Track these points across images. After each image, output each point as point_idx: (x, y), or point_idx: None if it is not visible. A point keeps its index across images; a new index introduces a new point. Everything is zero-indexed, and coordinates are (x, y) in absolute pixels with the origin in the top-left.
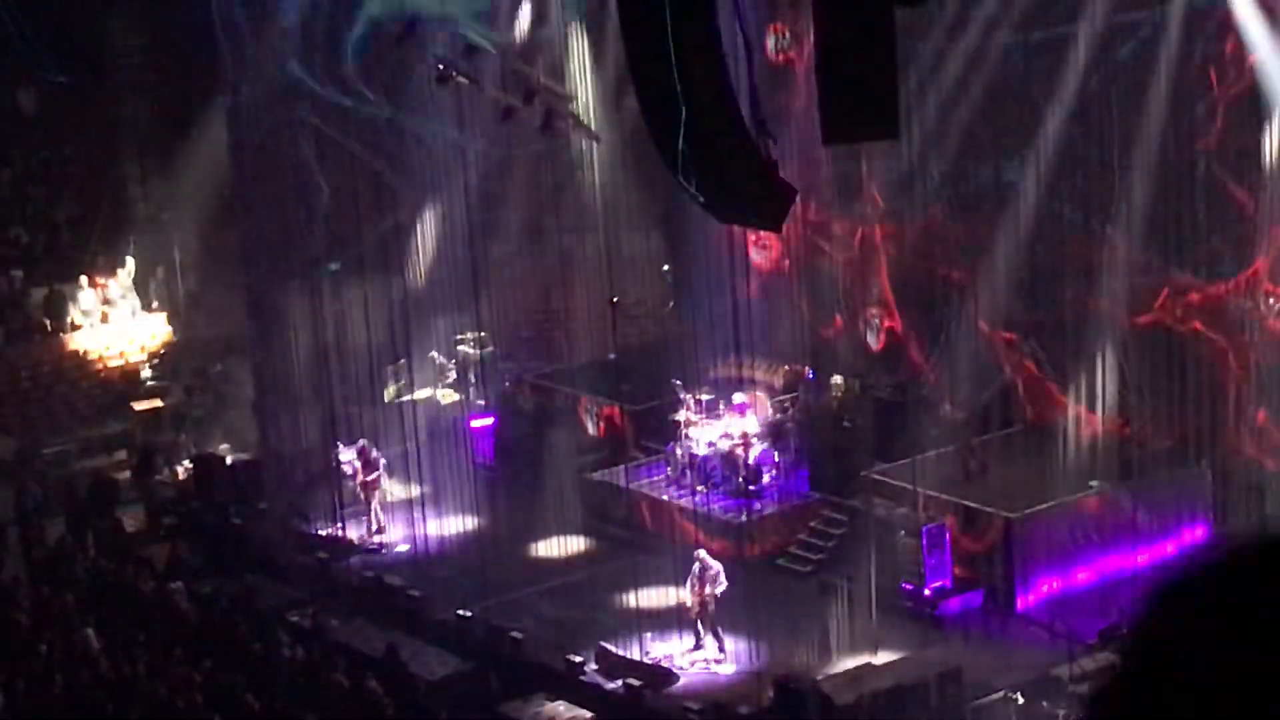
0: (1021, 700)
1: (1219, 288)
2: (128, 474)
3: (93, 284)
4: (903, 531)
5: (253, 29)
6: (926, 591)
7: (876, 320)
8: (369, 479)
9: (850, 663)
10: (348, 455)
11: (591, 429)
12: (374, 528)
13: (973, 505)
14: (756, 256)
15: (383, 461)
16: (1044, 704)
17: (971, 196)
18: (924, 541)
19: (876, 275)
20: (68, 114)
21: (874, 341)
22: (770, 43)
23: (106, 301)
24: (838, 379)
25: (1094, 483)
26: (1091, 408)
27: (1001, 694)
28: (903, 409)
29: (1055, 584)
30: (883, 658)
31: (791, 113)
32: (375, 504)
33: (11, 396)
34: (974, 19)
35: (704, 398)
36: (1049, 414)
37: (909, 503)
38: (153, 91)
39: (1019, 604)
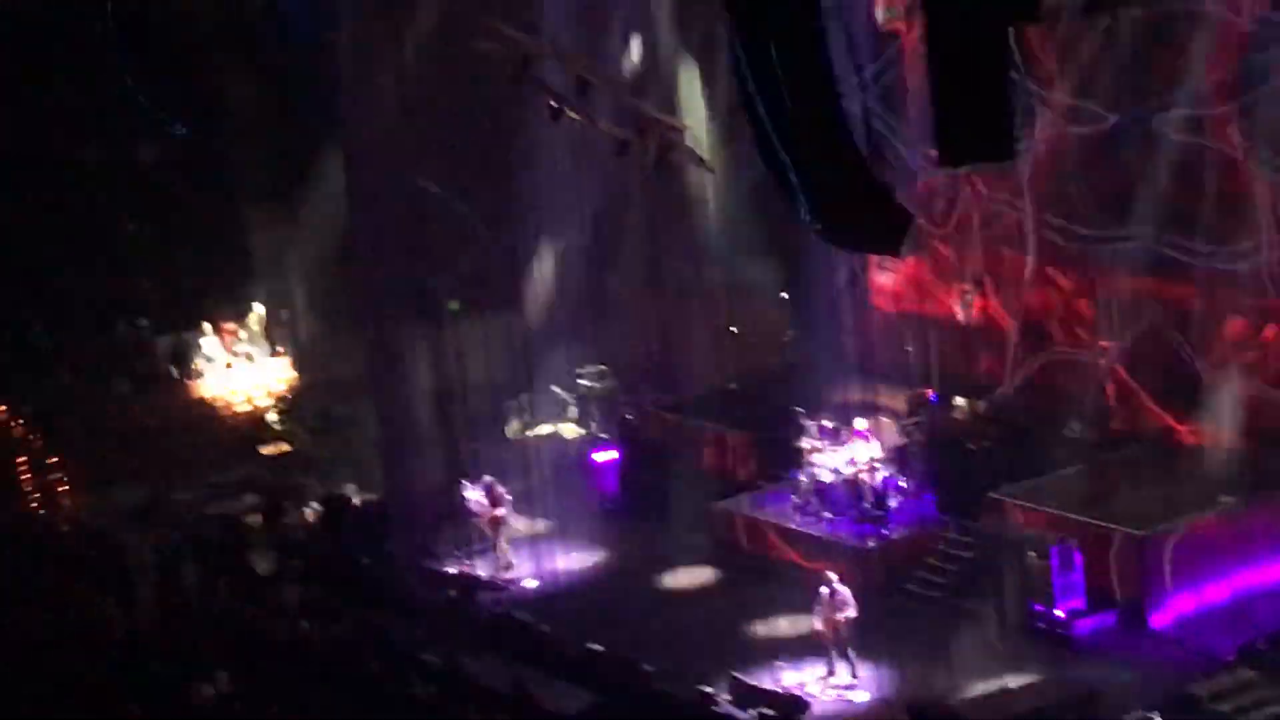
0: None
1: None
2: (257, 518)
3: (217, 331)
4: (1032, 553)
5: (367, 72)
6: (1058, 612)
7: (969, 296)
8: (496, 515)
9: (983, 686)
10: (473, 493)
11: (714, 459)
12: (502, 564)
13: (1103, 524)
14: (882, 278)
15: (509, 498)
16: None
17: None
18: (1054, 562)
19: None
20: (188, 164)
21: (964, 317)
22: (879, 14)
23: (231, 349)
24: (961, 401)
25: (1225, 498)
26: (1218, 422)
27: (1139, 714)
28: (1028, 429)
29: (1189, 602)
30: (1016, 680)
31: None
32: (503, 540)
33: (141, 444)
34: None
35: (827, 424)
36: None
37: (1037, 523)
38: (270, 138)
39: (1153, 623)
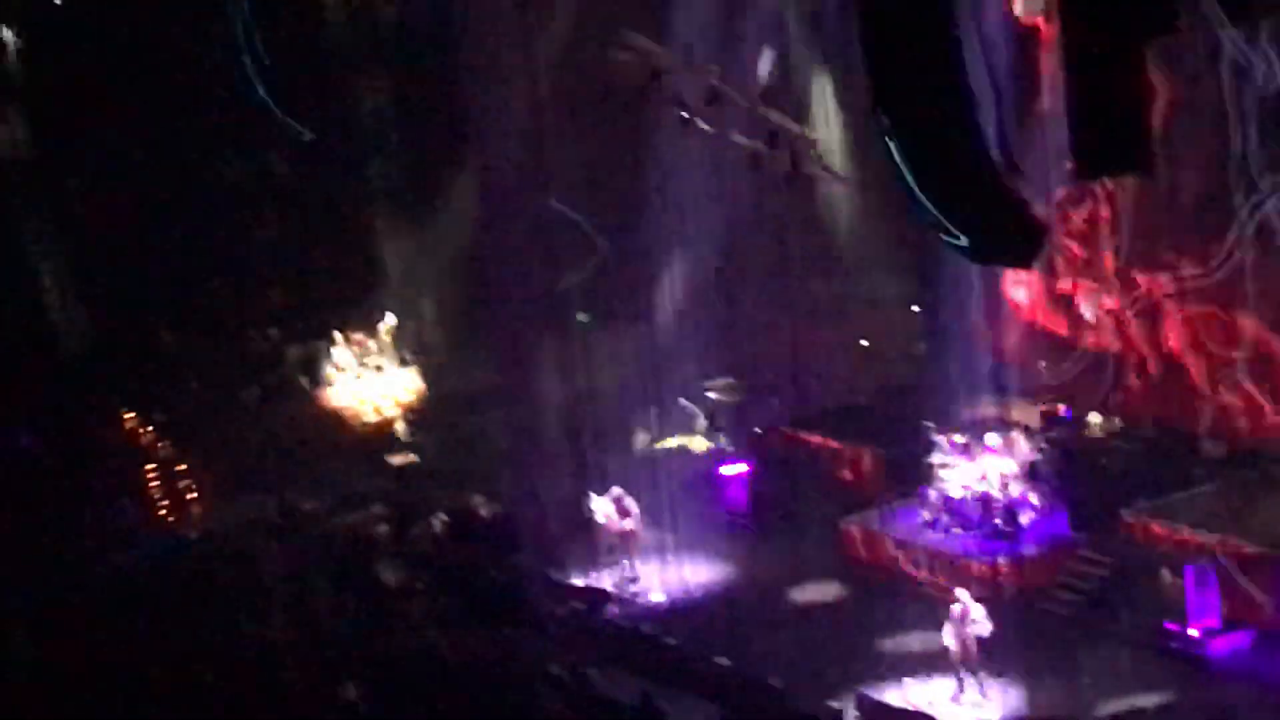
0: None
1: None
2: (385, 529)
3: (347, 340)
4: (1166, 571)
5: (498, 83)
6: (1192, 632)
7: (1096, 294)
8: (625, 528)
9: (1115, 706)
10: (600, 505)
11: (844, 473)
12: (630, 577)
13: (1240, 542)
14: (1017, 295)
15: (636, 510)
16: None
17: None
18: (1189, 580)
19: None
20: (319, 174)
21: (1089, 314)
22: (1018, 5)
23: (361, 357)
24: (1095, 417)
25: None
26: None
27: None
28: (1162, 446)
29: None
30: (1149, 701)
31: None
32: (631, 553)
33: (271, 455)
34: None
35: (958, 439)
36: None
37: (1172, 541)
38: (402, 149)
39: None
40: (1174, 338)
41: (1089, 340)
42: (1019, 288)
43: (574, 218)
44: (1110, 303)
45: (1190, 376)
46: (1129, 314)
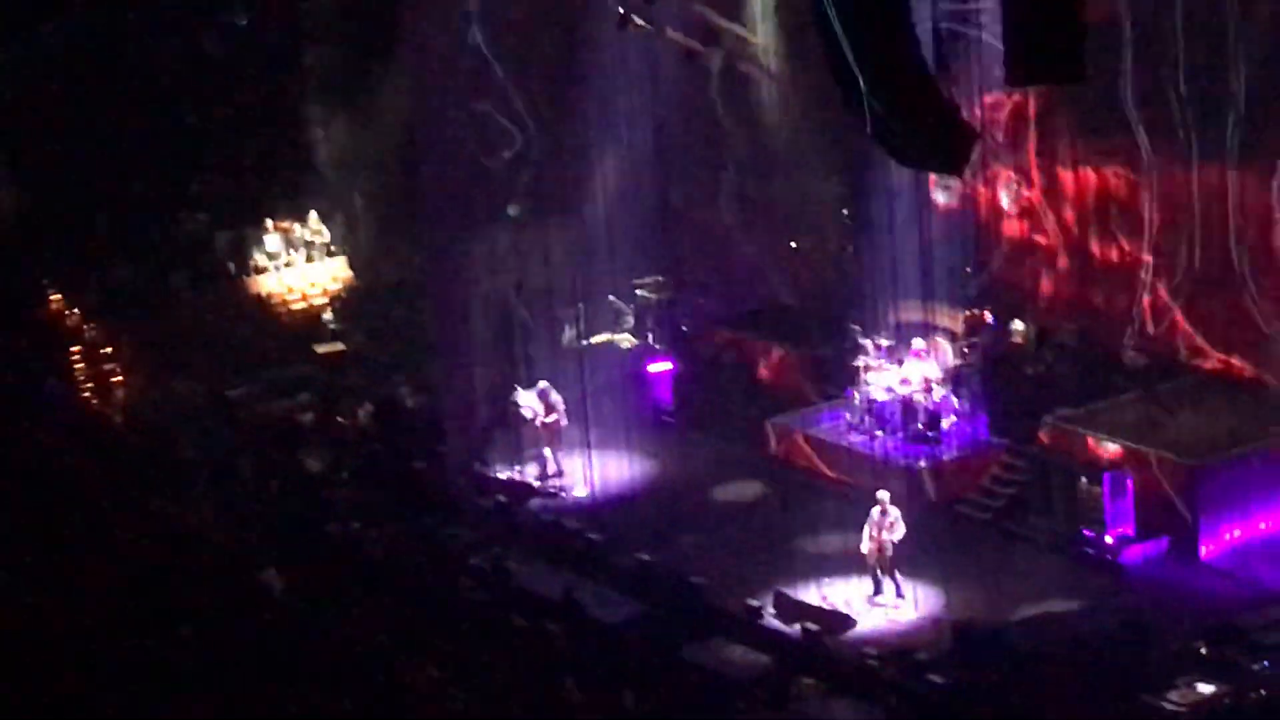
0: (1205, 650)
1: None
2: (311, 417)
3: (277, 228)
4: (1084, 479)
5: None
6: (1108, 539)
7: (1015, 186)
8: (549, 422)
9: (1031, 610)
10: (527, 399)
11: (770, 374)
12: (553, 471)
13: (1156, 452)
14: (940, 197)
15: (562, 405)
16: (1228, 653)
17: None
18: (1106, 489)
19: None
20: (251, 58)
21: (1008, 204)
22: None
23: (290, 245)
24: (1019, 324)
25: (1277, 428)
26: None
27: (1185, 643)
28: (1085, 355)
29: (1239, 532)
30: (1064, 605)
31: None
32: (555, 448)
33: (198, 340)
34: None
35: (884, 343)
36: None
37: (1091, 449)
38: (336, 35)
39: (1203, 552)
40: (1091, 237)
41: (1008, 231)
42: (945, 193)
43: (511, 128)
44: (1030, 194)
45: (1108, 279)
46: (1046, 205)
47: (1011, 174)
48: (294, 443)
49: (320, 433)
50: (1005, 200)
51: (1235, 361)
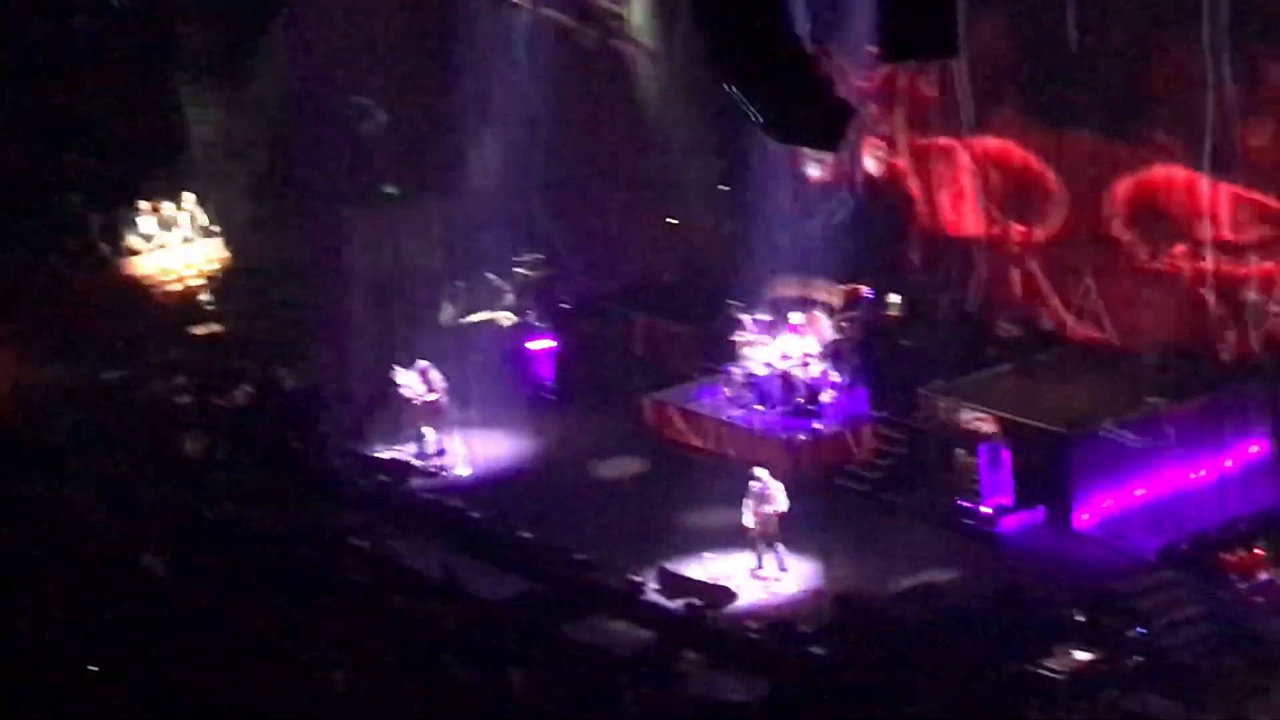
0: (1081, 617)
1: None
2: (187, 399)
3: (153, 209)
4: (961, 450)
5: None
6: (985, 509)
7: (881, 152)
8: (430, 402)
9: (910, 581)
10: (406, 378)
11: (649, 350)
12: (434, 451)
13: (1031, 422)
14: (813, 172)
15: (443, 384)
16: (1104, 621)
17: None
18: (982, 459)
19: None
20: (125, 36)
21: (874, 169)
22: None
23: (165, 226)
24: (895, 298)
25: (1152, 399)
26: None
27: (1061, 611)
28: (960, 327)
29: (1114, 501)
30: (942, 576)
31: None
32: (436, 426)
33: (72, 322)
34: None
35: (762, 318)
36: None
37: (966, 421)
38: (209, 13)
39: (1077, 522)
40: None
41: (883, 202)
42: (816, 167)
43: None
44: (896, 160)
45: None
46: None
47: (878, 141)
48: (171, 425)
49: (198, 415)
50: (871, 166)
51: (1100, 332)
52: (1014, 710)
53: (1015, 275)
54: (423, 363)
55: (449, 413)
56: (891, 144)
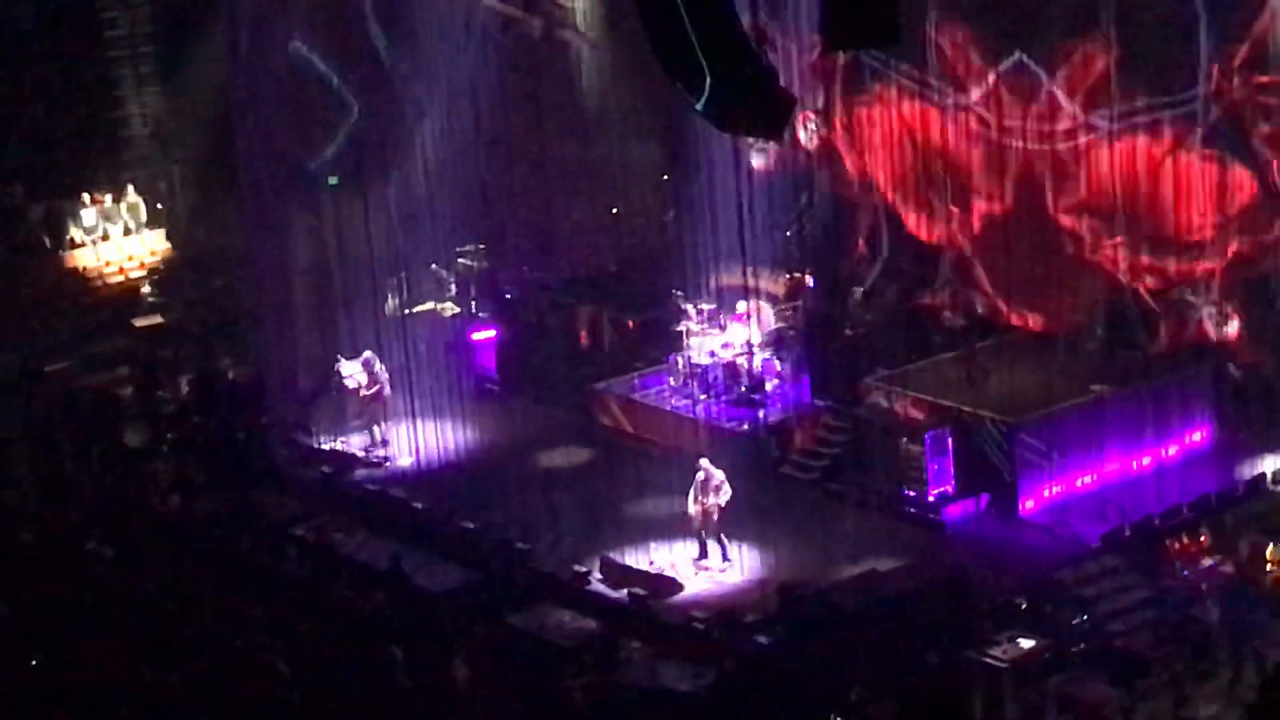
0: (1025, 604)
1: None
2: (130, 390)
3: (93, 200)
4: (905, 438)
5: None
6: (929, 497)
7: (813, 124)
8: (373, 392)
9: (854, 570)
10: (350, 369)
11: (593, 340)
12: (378, 441)
13: (974, 410)
14: (756, 161)
15: (386, 376)
16: (1048, 607)
17: None
18: (926, 448)
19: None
20: (64, 27)
21: (807, 141)
22: None
23: (106, 218)
24: (839, 285)
25: (1096, 387)
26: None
27: (1005, 598)
28: (904, 316)
29: (1057, 489)
30: (887, 564)
31: None
32: (380, 417)
33: (13, 313)
34: None
35: (706, 307)
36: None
37: (911, 409)
38: (150, 2)
39: (1022, 509)
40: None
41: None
42: (759, 156)
43: (329, 73)
44: (825, 132)
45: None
46: (844, 146)
47: (812, 115)
48: (114, 416)
49: (140, 406)
50: (804, 137)
51: (1030, 317)
52: (959, 697)
53: (949, 260)
54: (367, 354)
55: (392, 403)
56: (825, 117)
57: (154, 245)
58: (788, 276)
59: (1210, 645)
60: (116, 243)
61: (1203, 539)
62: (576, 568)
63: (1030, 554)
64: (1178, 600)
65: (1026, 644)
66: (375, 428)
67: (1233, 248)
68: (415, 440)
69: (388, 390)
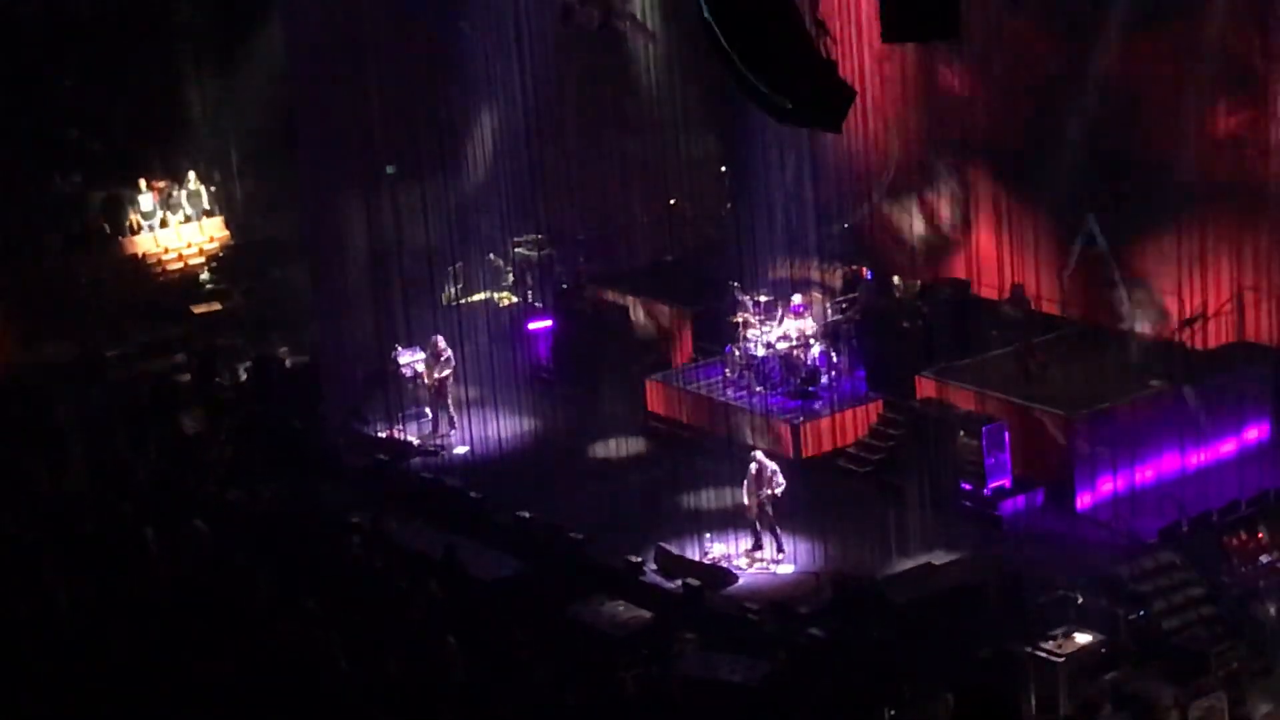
0: (1081, 599)
1: None
2: (187, 377)
3: (151, 188)
4: (962, 432)
5: None
6: (986, 491)
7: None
8: (441, 376)
9: (909, 563)
10: (407, 357)
11: (649, 331)
12: (442, 428)
13: (1031, 404)
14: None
15: (453, 360)
16: (1103, 603)
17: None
18: (983, 441)
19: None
20: (124, 16)
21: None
22: None
23: (166, 205)
24: (897, 279)
25: (1154, 381)
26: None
27: (1061, 593)
28: (962, 309)
29: (1115, 483)
30: (942, 558)
31: None
32: (436, 406)
33: (72, 301)
34: None
35: (762, 299)
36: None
37: (967, 403)
38: None
39: (1079, 504)
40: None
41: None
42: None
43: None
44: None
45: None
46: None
47: None
48: (171, 404)
49: (198, 393)
50: None
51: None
52: (1013, 691)
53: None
54: (437, 336)
55: (450, 392)
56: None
57: (213, 232)
58: (845, 269)
59: (1267, 642)
60: (175, 229)
61: (1260, 535)
62: (630, 558)
63: (1087, 549)
64: (1235, 597)
65: (1082, 639)
66: (432, 416)
67: None
68: (470, 429)
69: (451, 375)
